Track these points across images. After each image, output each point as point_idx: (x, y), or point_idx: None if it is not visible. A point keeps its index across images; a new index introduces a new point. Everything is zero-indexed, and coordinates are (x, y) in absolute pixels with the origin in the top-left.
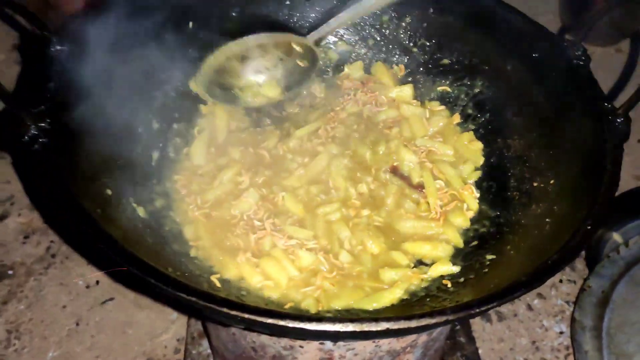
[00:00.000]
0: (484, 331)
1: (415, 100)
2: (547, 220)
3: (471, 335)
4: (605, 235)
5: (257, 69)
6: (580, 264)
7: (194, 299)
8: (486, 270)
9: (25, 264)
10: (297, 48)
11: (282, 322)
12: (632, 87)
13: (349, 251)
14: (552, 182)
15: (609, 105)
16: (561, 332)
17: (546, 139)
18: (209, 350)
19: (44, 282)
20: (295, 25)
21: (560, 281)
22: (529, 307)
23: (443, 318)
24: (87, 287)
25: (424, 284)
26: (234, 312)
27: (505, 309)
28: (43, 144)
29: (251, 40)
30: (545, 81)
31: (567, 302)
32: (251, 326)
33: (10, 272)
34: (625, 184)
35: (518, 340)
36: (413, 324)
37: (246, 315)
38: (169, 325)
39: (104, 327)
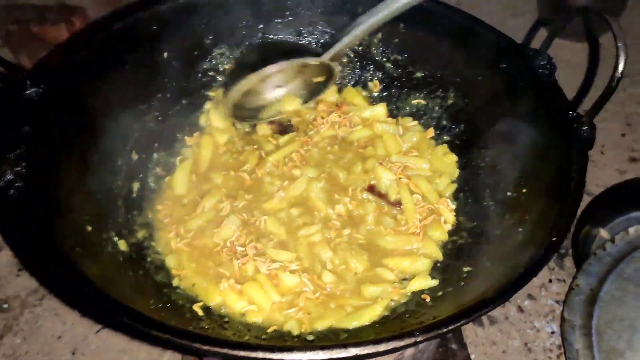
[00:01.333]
0: (476, 336)
1: (389, 118)
2: (519, 230)
3: (463, 341)
4: (592, 232)
5: (277, 84)
6: (569, 262)
7: (166, 336)
8: (463, 283)
9: (20, 296)
10: (314, 63)
11: (253, 354)
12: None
13: (332, 271)
14: (524, 191)
15: (574, 114)
16: (552, 332)
17: (517, 148)
18: None
19: (39, 313)
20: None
21: (550, 281)
22: (520, 309)
23: (411, 340)
24: (82, 315)
25: (403, 300)
26: (206, 347)
27: (496, 312)
28: (19, 189)
29: (270, 69)
30: (513, 91)
31: (557, 302)
32: (225, 358)
33: (5, 305)
34: (611, 178)
35: (510, 342)
36: (381, 347)
37: (217, 349)
38: (164, 351)
39: (100, 356)
